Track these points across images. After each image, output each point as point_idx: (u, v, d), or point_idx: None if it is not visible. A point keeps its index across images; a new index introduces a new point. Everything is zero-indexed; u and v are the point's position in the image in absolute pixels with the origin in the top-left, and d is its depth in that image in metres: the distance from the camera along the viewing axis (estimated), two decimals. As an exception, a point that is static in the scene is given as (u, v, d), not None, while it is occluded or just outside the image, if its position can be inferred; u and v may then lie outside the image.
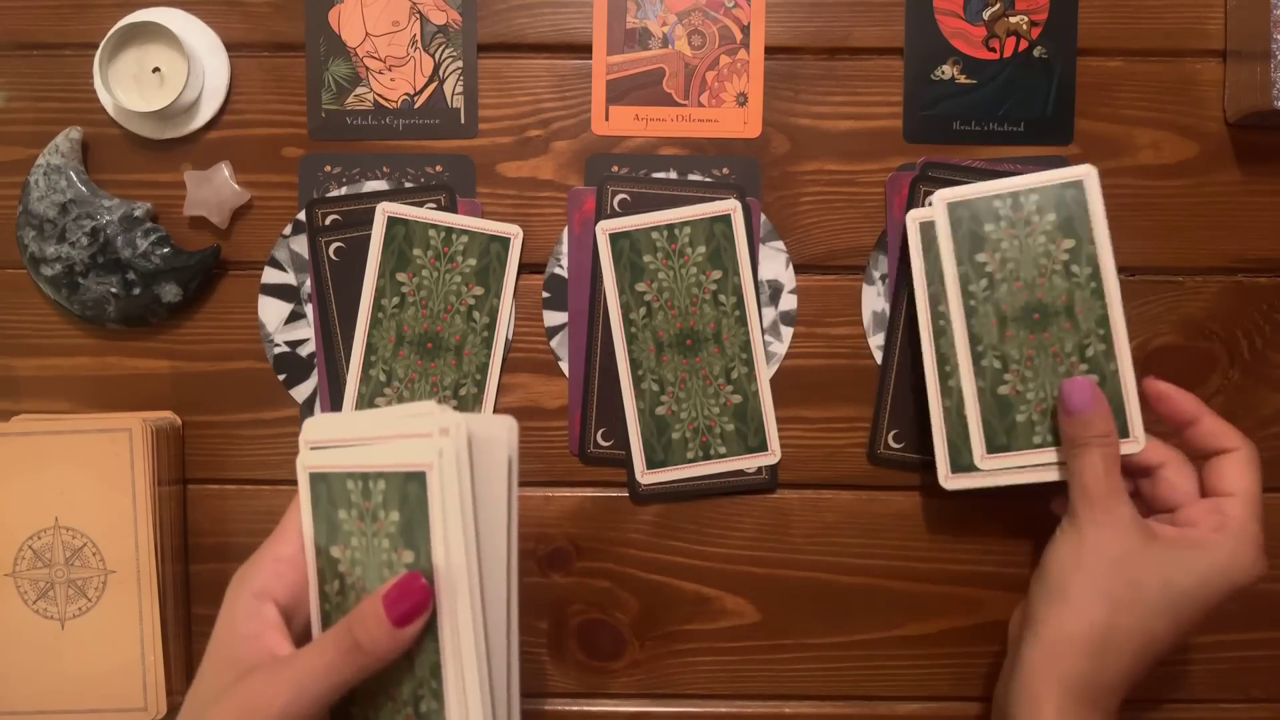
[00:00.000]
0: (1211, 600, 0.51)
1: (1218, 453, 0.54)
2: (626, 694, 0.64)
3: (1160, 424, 0.57)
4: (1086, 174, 0.57)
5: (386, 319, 0.61)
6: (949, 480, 0.58)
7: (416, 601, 0.35)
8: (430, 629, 0.35)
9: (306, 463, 0.38)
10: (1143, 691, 0.63)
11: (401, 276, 0.61)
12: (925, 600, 0.63)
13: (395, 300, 0.61)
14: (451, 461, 0.34)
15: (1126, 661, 0.50)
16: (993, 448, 0.58)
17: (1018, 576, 0.63)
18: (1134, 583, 0.51)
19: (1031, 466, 0.57)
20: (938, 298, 0.58)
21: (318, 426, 0.40)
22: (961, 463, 0.58)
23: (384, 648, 0.35)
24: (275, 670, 0.36)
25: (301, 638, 0.40)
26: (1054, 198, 0.57)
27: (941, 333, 0.58)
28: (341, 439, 0.38)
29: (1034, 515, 0.62)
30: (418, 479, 0.34)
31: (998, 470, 0.58)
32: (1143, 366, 0.62)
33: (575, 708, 0.64)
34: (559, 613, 0.64)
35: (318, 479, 0.38)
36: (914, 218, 0.58)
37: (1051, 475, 0.57)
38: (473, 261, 0.61)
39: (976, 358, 0.57)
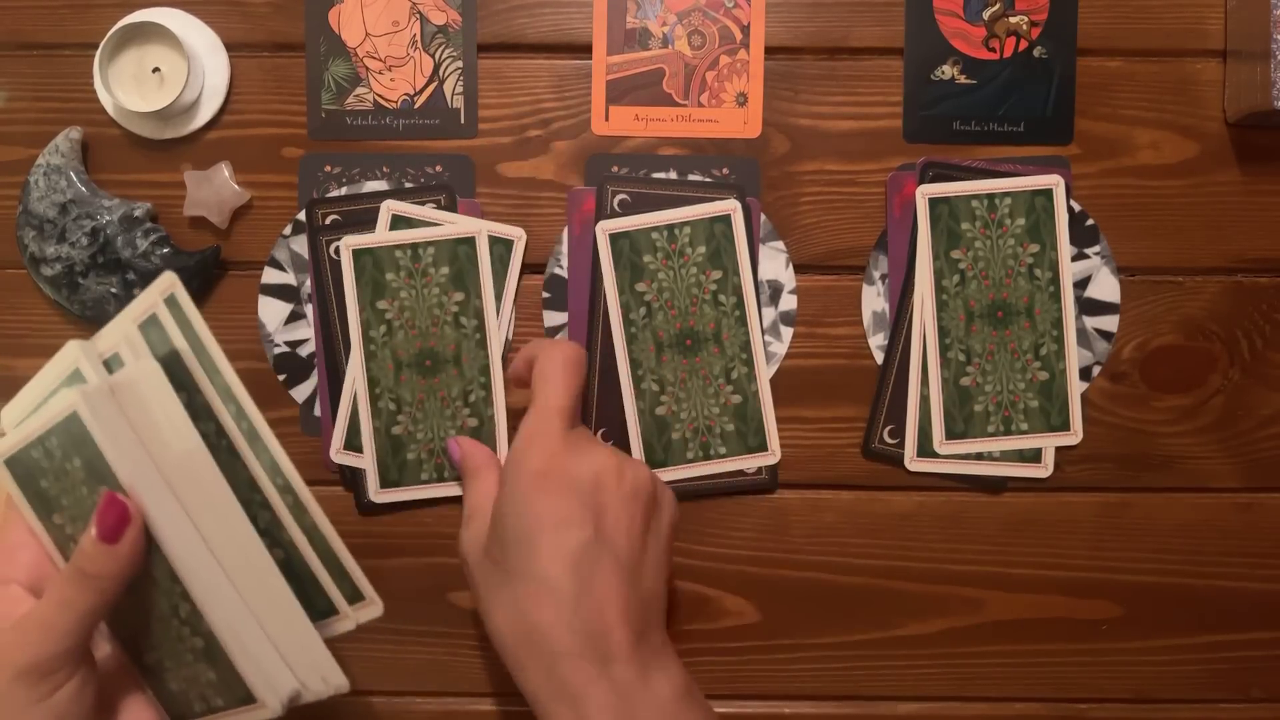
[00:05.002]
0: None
1: None
2: (626, 694, 0.64)
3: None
4: (1055, 183, 0.59)
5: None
6: (913, 463, 0.62)
7: (116, 515, 0.38)
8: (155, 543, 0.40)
9: None
10: (1143, 691, 0.63)
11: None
12: (925, 600, 0.63)
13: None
14: (92, 398, 0.39)
15: None
16: (951, 434, 0.61)
17: (1018, 576, 0.63)
18: None
19: (985, 458, 0.61)
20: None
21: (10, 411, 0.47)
22: (927, 447, 0.62)
23: (108, 567, 0.38)
24: (19, 623, 0.39)
25: None
26: (1025, 203, 0.60)
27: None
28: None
29: (1034, 515, 0.63)
30: (77, 421, 0.38)
31: (954, 457, 0.61)
32: (1143, 366, 0.62)
33: (575, 708, 0.64)
34: (559, 613, 0.64)
35: (13, 462, 0.41)
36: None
37: (1001, 470, 0.61)
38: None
39: (944, 349, 0.61)
